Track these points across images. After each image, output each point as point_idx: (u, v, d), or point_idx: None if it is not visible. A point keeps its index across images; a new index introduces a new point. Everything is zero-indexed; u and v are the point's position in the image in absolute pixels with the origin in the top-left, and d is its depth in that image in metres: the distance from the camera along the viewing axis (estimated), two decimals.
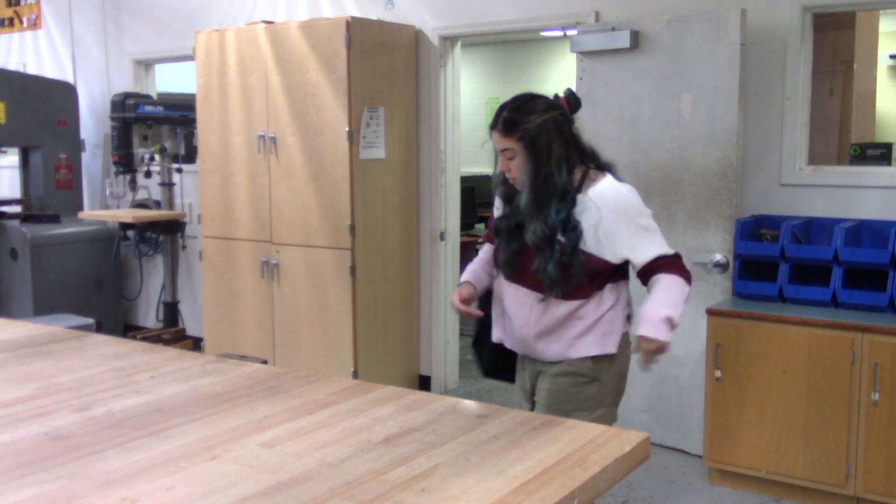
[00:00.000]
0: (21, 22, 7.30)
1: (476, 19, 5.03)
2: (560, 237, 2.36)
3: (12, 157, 6.91)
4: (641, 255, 2.41)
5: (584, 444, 1.82)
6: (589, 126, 4.37)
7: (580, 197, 2.41)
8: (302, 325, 5.03)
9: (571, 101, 2.46)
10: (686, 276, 2.42)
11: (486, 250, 2.73)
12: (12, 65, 7.27)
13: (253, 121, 5.08)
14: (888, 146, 4.16)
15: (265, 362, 2.67)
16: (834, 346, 3.50)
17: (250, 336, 5.27)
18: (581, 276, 2.38)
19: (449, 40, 5.19)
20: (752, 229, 4.01)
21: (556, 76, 10.41)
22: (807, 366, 3.56)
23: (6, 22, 7.41)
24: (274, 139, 4.99)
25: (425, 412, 2.05)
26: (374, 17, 5.17)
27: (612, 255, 2.41)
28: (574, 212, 2.38)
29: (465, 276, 2.68)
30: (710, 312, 3.81)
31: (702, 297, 4.06)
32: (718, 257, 4.02)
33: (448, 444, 1.83)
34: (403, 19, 5.20)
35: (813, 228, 4.00)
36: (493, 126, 2.41)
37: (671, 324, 2.35)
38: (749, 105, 4.12)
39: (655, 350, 2.34)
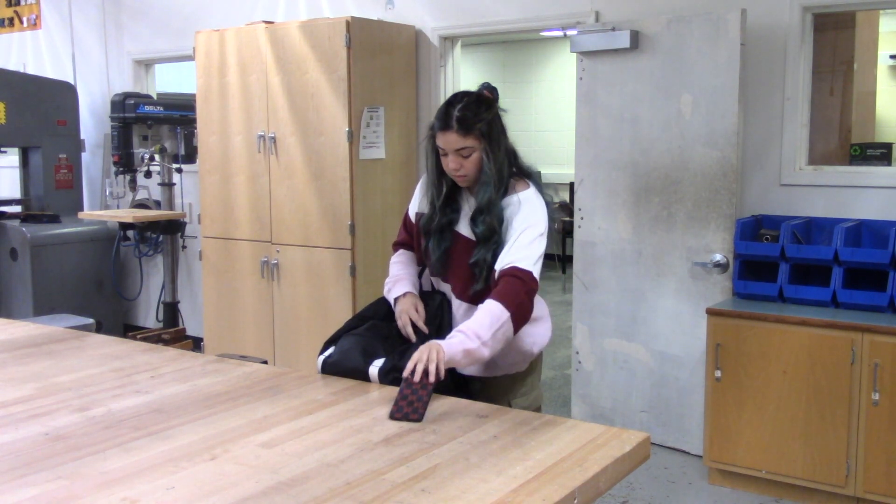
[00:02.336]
0: (21, 22, 7.30)
1: (476, 19, 5.04)
2: (499, 226, 2.42)
3: (12, 157, 6.91)
4: (504, 259, 2.36)
5: (584, 444, 1.83)
6: (589, 126, 4.40)
7: (509, 196, 2.45)
8: (302, 325, 5.03)
9: (495, 95, 2.52)
10: (511, 294, 2.30)
11: (403, 256, 2.69)
12: (12, 65, 7.27)
13: (253, 121, 5.08)
14: (888, 146, 4.16)
15: (265, 362, 2.67)
16: (834, 346, 3.51)
17: (250, 336, 5.27)
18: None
19: (449, 40, 5.19)
20: (752, 229, 4.01)
21: (556, 76, 10.43)
22: (807, 366, 3.56)
23: (6, 22, 7.41)
24: (274, 139, 4.99)
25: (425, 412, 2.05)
26: (374, 17, 5.16)
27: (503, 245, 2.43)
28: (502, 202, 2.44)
29: (404, 286, 2.56)
30: (710, 312, 3.81)
31: (702, 297, 4.06)
32: (718, 257, 4.02)
33: (448, 444, 1.83)
34: (403, 19, 5.20)
35: (813, 228, 4.00)
36: (446, 127, 2.38)
37: (466, 348, 2.25)
38: (749, 105, 4.12)
39: (425, 356, 2.21)
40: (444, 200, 2.50)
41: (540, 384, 2.68)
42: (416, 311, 2.50)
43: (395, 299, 2.56)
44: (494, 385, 2.56)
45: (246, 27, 5.14)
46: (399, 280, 2.61)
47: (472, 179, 2.46)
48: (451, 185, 2.51)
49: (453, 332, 2.29)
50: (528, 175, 2.52)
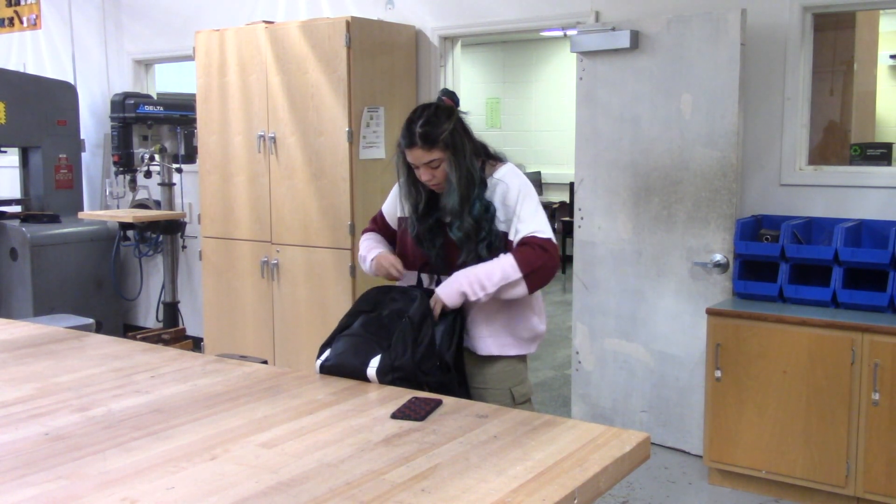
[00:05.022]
0: (21, 22, 7.30)
1: (476, 19, 5.03)
2: (483, 224, 2.53)
3: (12, 157, 6.91)
4: (521, 231, 2.52)
5: (584, 444, 1.83)
6: (589, 126, 4.40)
7: (488, 181, 2.59)
8: (302, 325, 5.03)
9: (455, 100, 2.64)
10: (530, 258, 2.48)
11: (374, 235, 2.87)
12: (12, 65, 7.27)
13: (253, 121, 5.08)
14: (888, 146, 4.16)
15: (265, 362, 2.67)
16: (834, 346, 3.51)
17: (250, 336, 5.27)
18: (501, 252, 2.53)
19: (449, 40, 5.19)
20: (752, 229, 4.01)
21: (556, 76, 10.43)
22: (807, 366, 3.56)
23: (6, 22, 7.41)
24: (274, 139, 4.99)
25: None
26: (374, 17, 5.17)
27: (507, 226, 2.55)
28: (485, 195, 2.55)
29: (379, 249, 2.75)
30: (710, 312, 3.81)
31: (702, 297, 4.06)
32: (718, 257, 4.02)
33: (448, 444, 1.83)
34: (403, 19, 5.20)
35: (813, 228, 4.00)
36: (411, 144, 2.51)
37: (464, 296, 2.48)
38: (749, 105, 4.12)
39: (438, 306, 2.49)
40: (425, 207, 2.62)
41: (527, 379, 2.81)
42: (392, 261, 2.65)
43: (372, 260, 2.70)
44: (497, 372, 2.64)
45: (246, 27, 5.14)
46: (372, 248, 2.75)
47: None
48: (428, 190, 2.62)
49: (458, 274, 2.48)
50: (500, 157, 2.67)
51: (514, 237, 2.52)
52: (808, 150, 4.17)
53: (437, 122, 2.50)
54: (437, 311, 2.46)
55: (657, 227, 4.21)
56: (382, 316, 2.50)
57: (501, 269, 2.45)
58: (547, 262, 2.49)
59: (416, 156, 2.51)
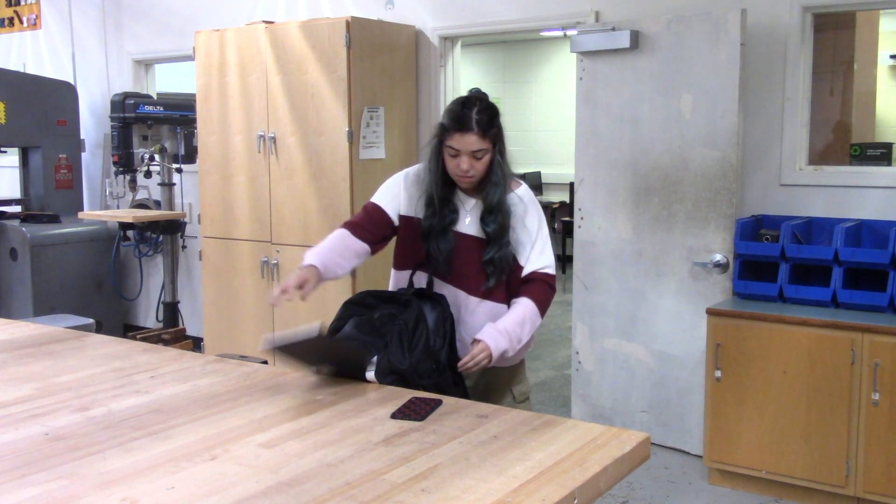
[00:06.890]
0: (21, 22, 7.30)
1: (476, 19, 5.03)
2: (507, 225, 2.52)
3: (12, 157, 6.91)
4: (534, 262, 2.53)
5: (584, 444, 1.83)
6: (589, 126, 4.40)
7: (510, 195, 2.56)
8: (302, 325, 5.02)
9: None
10: (545, 301, 2.52)
11: (339, 240, 2.59)
12: (12, 65, 7.27)
13: (253, 121, 5.08)
14: (888, 146, 4.16)
15: (265, 362, 2.67)
16: (834, 346, 3.51)
17: (250, 336, 5.27)
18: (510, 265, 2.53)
19: (449, 40, 5.19)
20: (752, 229, 4.01)
21: (556, 76, 10.43)
22: (807, 366, 3.56)
23: (6, 22, 7.41)
24: (274, 139, 4.99)
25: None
26: (374, 17, 5.17)
27: (516, 245, 2.53)
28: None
29: (312, 258, 2.46)
30: (710, 312, 3.81)
31: (702, 297, 4.06)
32: (718, 257, 4.02)
33: (448, 444, 1.83)
34: (403, 19, 5.20)
35: (813, 228, 4.00)
36: (466, 129, 2.40)
37: (505, 354, 2.42)
38: (749, 105, 4.12)
39: (484, 356, 2.38)
40: (442, 202, 2.54)
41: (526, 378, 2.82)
42: (302, 285, 2.37)
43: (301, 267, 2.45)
44: (499, 374, 2.63)
45: (246, 27, 5.14)
46: (317, 253, 2.49)
47: (477, 181, 2.50)
48: (447, 186, 2.55)
49: (499, 334, 2.40)
50: (513, 177, 2.63)
51: (526, 264, 2.51)
52: (808, 150, 4.17)
53: (493, 113, 2.46)
54: (482, 360, 2.37)
55: (657, 227, 4.21)
56: (374, 318, 2.46)
57: (532, 322, 2.47)
58: (551, 299, 2.56)
59: (468, 142, 2.41)
